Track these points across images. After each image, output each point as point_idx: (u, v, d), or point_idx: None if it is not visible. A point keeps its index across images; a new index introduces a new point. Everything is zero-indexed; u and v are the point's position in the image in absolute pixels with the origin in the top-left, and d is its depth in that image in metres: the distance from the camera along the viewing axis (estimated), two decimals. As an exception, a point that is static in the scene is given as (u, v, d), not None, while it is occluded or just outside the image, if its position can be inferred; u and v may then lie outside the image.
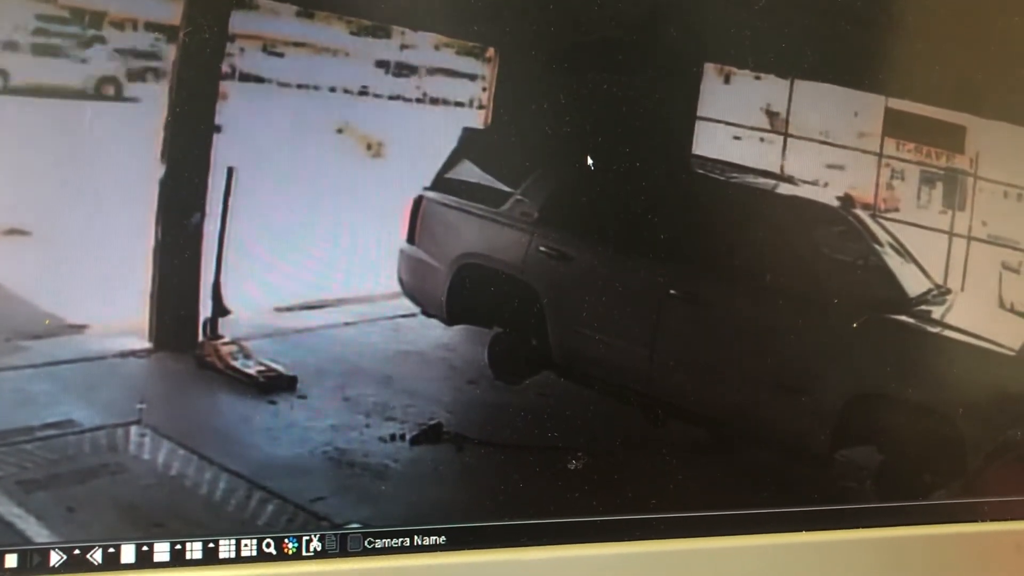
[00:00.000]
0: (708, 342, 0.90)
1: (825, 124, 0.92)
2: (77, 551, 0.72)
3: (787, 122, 0.91)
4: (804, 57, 0.92)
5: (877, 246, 0.94)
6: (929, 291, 0.95)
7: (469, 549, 0.81)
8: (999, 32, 0.98)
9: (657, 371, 0.88)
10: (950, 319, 0.95)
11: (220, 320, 0.76)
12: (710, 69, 0.89)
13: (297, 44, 0.79)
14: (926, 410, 0.93)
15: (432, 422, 0.81)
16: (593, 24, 0.86)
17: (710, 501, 0.89)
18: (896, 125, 0.94)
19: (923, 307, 0.94)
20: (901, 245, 0.94)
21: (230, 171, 0.76)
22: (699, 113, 0.89)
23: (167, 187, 0.75)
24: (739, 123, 0.91)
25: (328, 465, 0.78)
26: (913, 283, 0.94)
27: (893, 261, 0.94)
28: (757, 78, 0.91)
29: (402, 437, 0.81)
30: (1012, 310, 0.97)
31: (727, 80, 0.90)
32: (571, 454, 0.85)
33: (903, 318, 0.94)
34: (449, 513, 0.82)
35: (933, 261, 0.95)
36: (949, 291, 0.95)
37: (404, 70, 0.82)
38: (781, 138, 0.92)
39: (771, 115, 0.91)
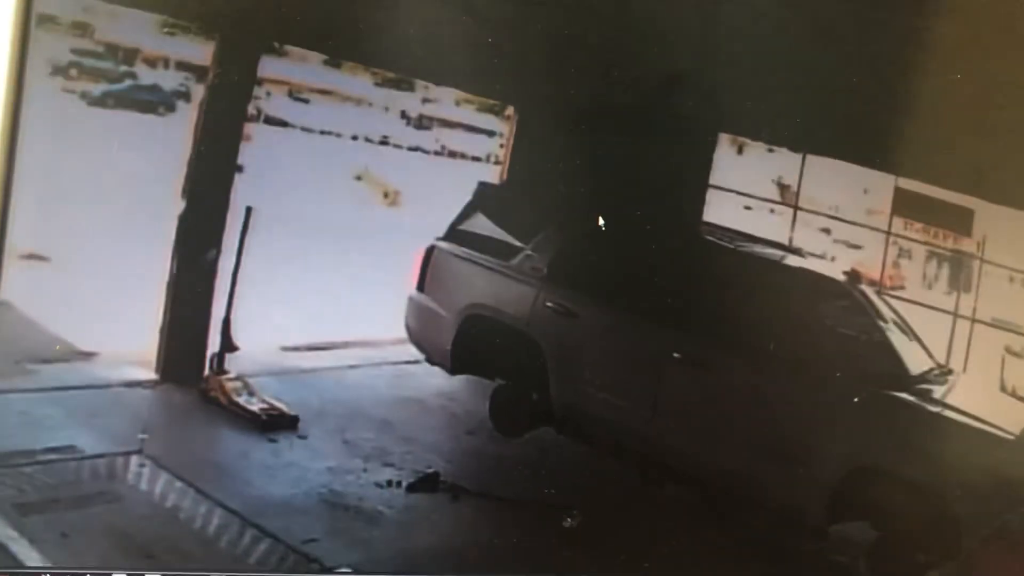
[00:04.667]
0: (709, 407, 0.90)
1: (835, 199, 0.94)
2: (69, 577, 0.72)
3: (797, 195, 0.93)
4: (817, 133, 0.93)
5: (881, 322, 0.94)
6: (931, 370, 0.95)
7: (458, 601, 0.81)
8: (1009, 119, 1.00)
9: (657, 433, 0.88)
10: (951, 399, 0.95)
11: (227, 356, 0.78)
12: (724, 139, 0.91)
13: (323, 92, 0.81)
14: (923, 489, 0.93)
15: (430, 470, 0.82)
16: (611, 89, 0.88)
17: (703, 567, 0.89)
18: (905, 204, 0.96)
19: (925, 385, 0.95)
20: (905, 323, 0.95)
21: (248, 210, 0.78)
22: (711, 181, 0.90)
23: (186, 223, 0.77)
24: (751, 193, 0.92)
25: (323, 507, 0.78)
26: (916, 361, 0.95)
27: (897, 338, 0.94)
28: (770, 150, 0.92)
29: (399, 484, 0.81)
30: (1014, 394, 0.97)
31: (740, 151, 0.91)
32: (566, 511, 0.85)
33: (904, 395, 0.94)
34: (441, 563, 0.82)
35: (936, 341, 0.95)
36: (951, 371, 0.95)
37: (425, 122, 0.84)
38: (791, 210, 0.93)
39: (782, 187, 0.92)
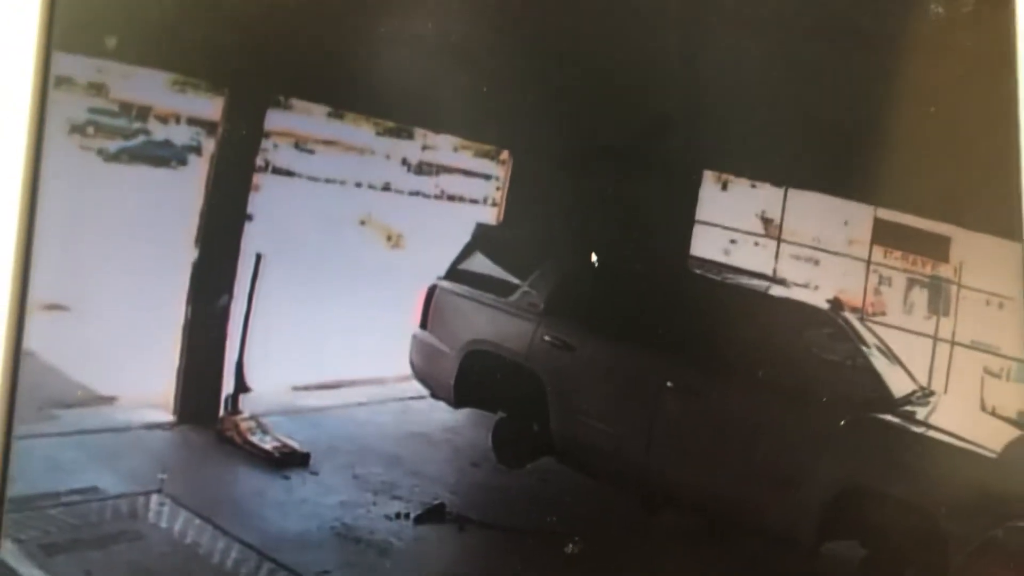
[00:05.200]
0: (703, 434, 0.94)
1: (817, 231, 0.97)
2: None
3: (781, 228, 0.96)
4: (798, 168, 0.97)
5: (865, 348, 0.97)
6: (914, 392, 0.98)
7: (466, 628, 0.83)
8: (981, 150, 1.04)
9: (653, 460, 0.91)
10: (934, 420, 0.98)
11: (241, 396, 0.81)
12: (709, 176, 0.95)
13: (327, 142, 0.84)
14: (910, 507, 0.96)
15: (436, 502, 0.85)
16: (601, 131, 0.92)
17: (701, 589, 0.91)
18: (885, 234, 0.99)
19: (908, 407, 0.98)
20: (888, 348, 0.98)
21: (258, 257, 0.81)
22: (697, 217, 0.94)
23: (199, 270, 0.80)
24: (735, 227, 0.96)
25: (335, 540, 0.81)
26: (899, 384, 0.98)
27: (880, 363, 0.97)
28: (753, 186, 0.96)
29: (407, 516, 0.84)
30: (994, 413, 1.00)
31: (724, 187, 0.95)
32: (568, 538, 0.88)
33: (889, 417, 0.97)
34: (448, 592, 0.84)
35: (918, 364, 0.99)
36: (933, 393, 0.98)
37: (425, 168, 0.87)
38: (775, 242, 0.97)
39: (766, 221, 0.96)
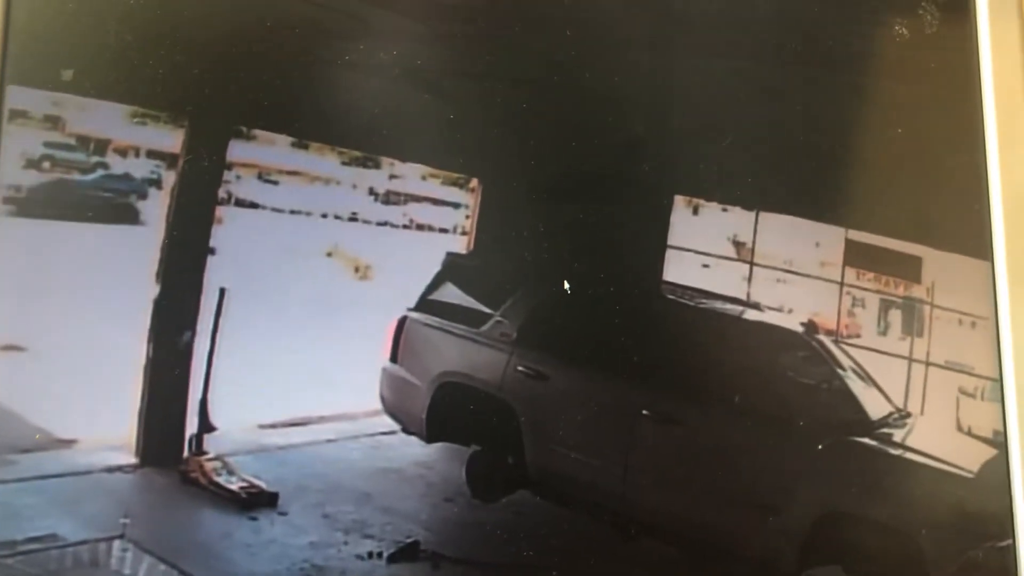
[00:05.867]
0: (679, 461, 0.93)
1: (789, 253, 0.97)
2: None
3: (752, 251, 0.96)
4: (769, 191, 0.97)
5: (840, 370, 0.97)
6: (891, 414, 0.98)
7: (443, 668, 0.82)
8: (948, 169, 1.05)
9: (630, 489, 0.90)
10: (911, 441, 0.98)
11: (206, 436, 0.79)
12: (679, 201, 0.94)
13: (291, 172, 0.83)
14: (890, 530, 0.95)
15: (409, 540, 0.83)
16: (570, 158, 0.91)
17: (682, 621, 0.90)
18: (856, 255, 0.99)
19: (885, 430, 0.97)
20: (863, 370, 0.98)
21: (222, 292, 0.80)
22: (669, 242, 0.94)
23: (161, 306, 0.78)
24: (707, 251, 0.95)
25: (306, 582, 0.79)
26: (875, 406, 0.98)
27: (856, 385, 0.97)
28: (724, 210, 0.96)
29: (379, 555, 0.82)
30: (970, 433, 1.01)
31: (696, 211, 0.95)
32: (546, 572, 0.86)
33: (867, 440, 0.97)
34: (424, 631, 0.82)
35: (894, 385, 0.99)
36: (909, 414, 0.99)
37: (392, 198, 0.86)
38: (747, 266, 0.96)
39: (737, 244, 0.96)
